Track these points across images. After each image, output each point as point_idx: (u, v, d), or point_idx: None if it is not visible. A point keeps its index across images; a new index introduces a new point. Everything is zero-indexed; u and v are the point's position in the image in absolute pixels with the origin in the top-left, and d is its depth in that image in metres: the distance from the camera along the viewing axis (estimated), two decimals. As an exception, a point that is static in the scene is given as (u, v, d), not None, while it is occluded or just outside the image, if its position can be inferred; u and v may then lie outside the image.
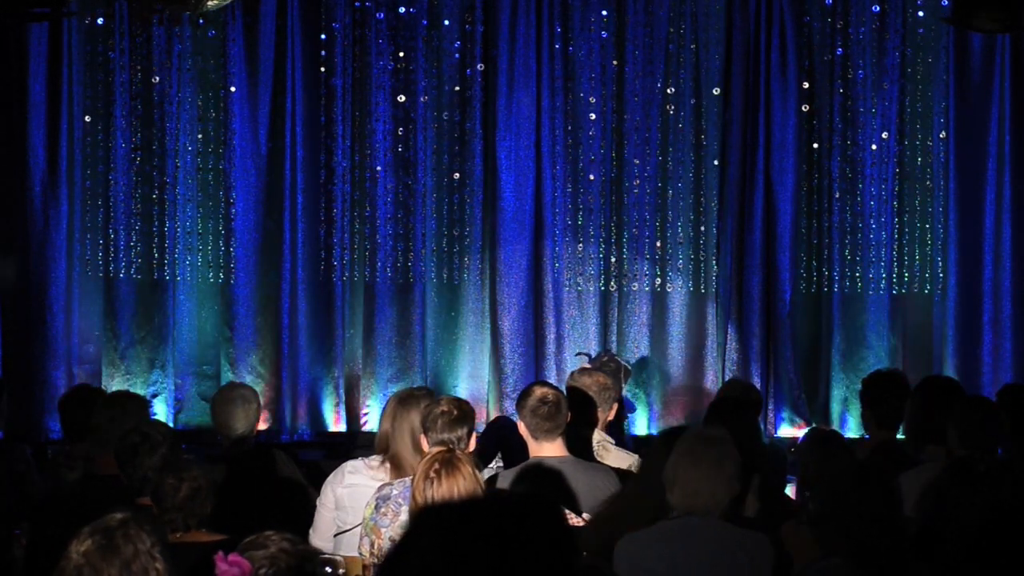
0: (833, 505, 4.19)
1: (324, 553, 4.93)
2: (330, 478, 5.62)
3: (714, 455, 4.51)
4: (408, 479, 5.18)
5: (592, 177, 9.54)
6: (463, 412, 5.15)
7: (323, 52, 9.52)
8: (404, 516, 4.86)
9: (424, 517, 2.50)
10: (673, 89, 9.53)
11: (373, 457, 5.60)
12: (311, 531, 5.60)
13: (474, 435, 5.19)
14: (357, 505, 5.47)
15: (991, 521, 4.09)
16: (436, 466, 4.49)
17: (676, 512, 4.54)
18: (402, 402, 5.50)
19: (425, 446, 5.16)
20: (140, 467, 5.02)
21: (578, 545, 4.73)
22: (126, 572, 3.50)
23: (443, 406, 5.16)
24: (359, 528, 5.38)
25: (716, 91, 9.48)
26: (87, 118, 9.40)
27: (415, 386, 7.07)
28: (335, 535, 5.56)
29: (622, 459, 6.05)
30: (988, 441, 5.55)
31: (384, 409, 5.63)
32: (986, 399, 6.27)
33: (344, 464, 5.61)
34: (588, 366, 8.48)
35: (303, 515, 5.67)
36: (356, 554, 5.33)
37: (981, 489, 4.50)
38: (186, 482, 4.65)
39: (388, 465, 5.46)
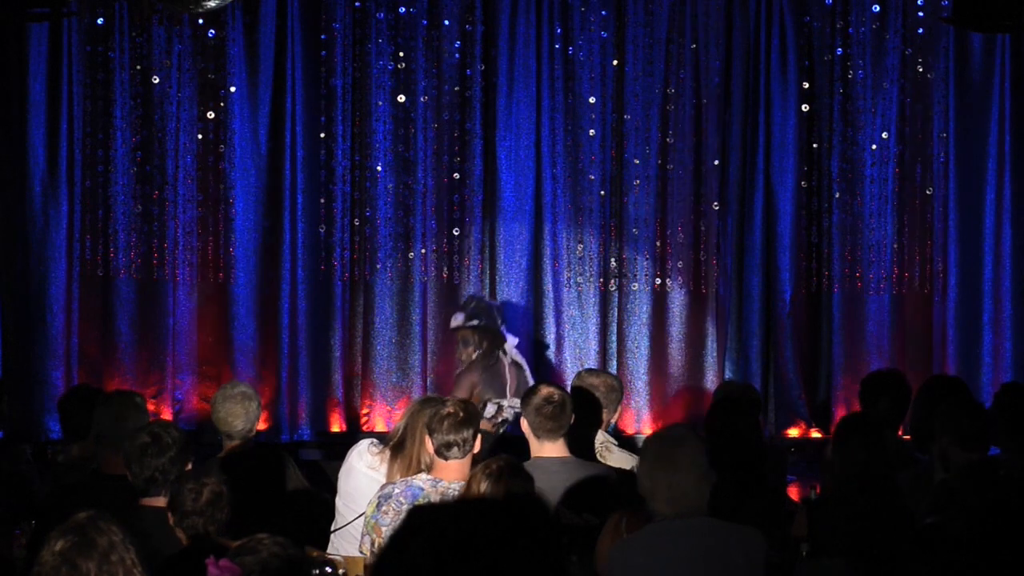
0: (837, 505, 4.19)
1: (317, 557, 4.94)
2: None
3: (688, 452, 4.47)
4: (410, 478, 5.19)
5: (592, 177, 9.54)
6: (468, 414, 5.15)
7: (323, 52, 9.50)
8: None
9: (414, 517, 2.51)
10: (673, 89, 9.53)
11: (378, 443, 5.65)
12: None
13: (479, 437, 5.19)
14: (351, 491, 5.50)
15: (991, 522, 4.10)
16: (501, 463, 4.67)
17: (662, 517, 4.50)
18: (425, 403, 5.53)
19: (429, 447, 5.17)
20: (147, 467, 5.01)
21: (566, 544, 4.77)
22: (105, 563, 3.52)
23: (449, 408, 5.16)
24: (355, 524, 5.39)
25: (716, 84, 9.48)
26: (87, 118, 9.39)
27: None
28: (332, 531, 5.57)
29: (624, 460, 6.04)
30: (984, 443, 5.48)
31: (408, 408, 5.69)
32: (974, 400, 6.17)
33: (354, 447, 5.69)
34: (594, 367, 8.47)
35: (306, 521, 5.67)
36: (355, 552, 5.34)
37: (982, 490, 4.50)
38: (208, 487, 4.65)
39: (388, 453, 5.48)
